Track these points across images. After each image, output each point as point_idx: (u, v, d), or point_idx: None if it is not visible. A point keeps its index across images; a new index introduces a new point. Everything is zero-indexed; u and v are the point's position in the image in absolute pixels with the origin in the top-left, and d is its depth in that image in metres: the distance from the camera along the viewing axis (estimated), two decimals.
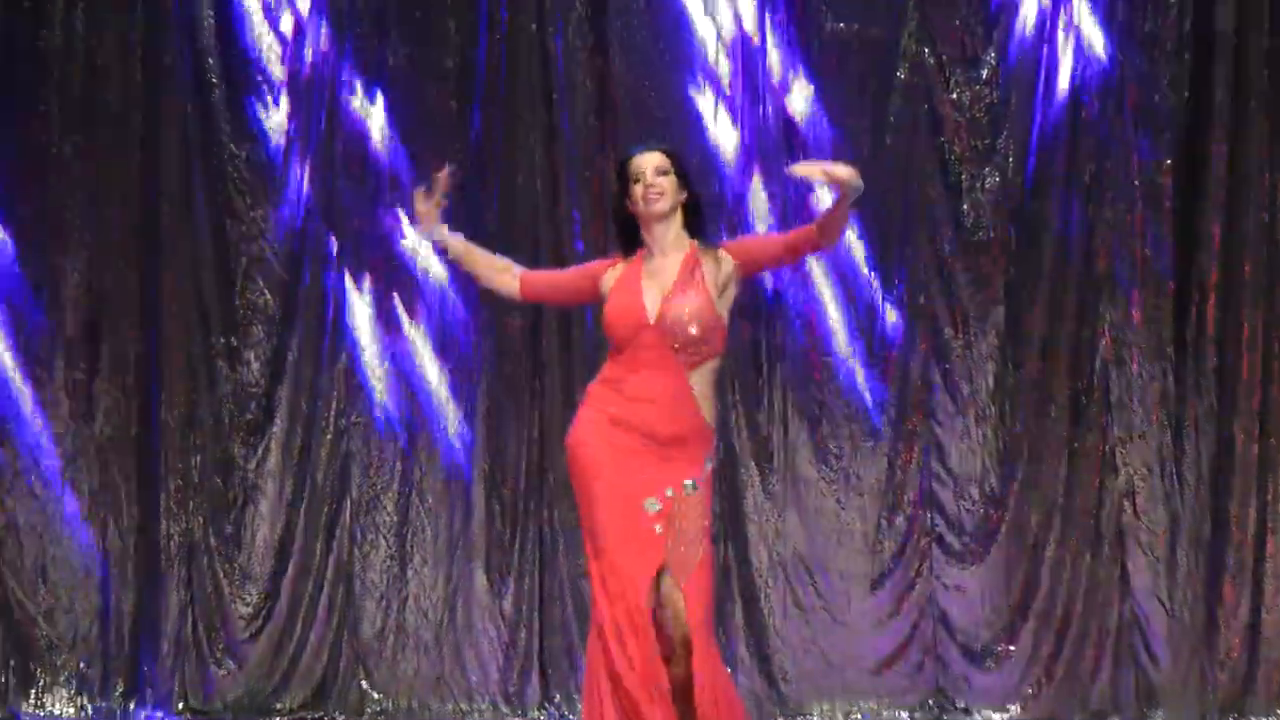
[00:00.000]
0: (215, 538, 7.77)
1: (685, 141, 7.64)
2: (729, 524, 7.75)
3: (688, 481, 4.92)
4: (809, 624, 7.72)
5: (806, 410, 7.80)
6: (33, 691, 7.79)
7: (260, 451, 7.82)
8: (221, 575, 7.73)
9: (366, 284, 7.76)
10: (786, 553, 7.76)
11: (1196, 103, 7.64)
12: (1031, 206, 7.77)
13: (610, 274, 5.06)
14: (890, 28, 7.70)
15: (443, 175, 4.95)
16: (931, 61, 7.80)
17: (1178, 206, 7.65)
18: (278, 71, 7.83)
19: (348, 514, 7.69)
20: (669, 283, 4.98)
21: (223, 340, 7.83)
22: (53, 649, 7.71)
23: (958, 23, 7.70)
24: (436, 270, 7.66)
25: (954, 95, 7.80)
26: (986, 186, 7.84)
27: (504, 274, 5.01)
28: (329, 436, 7.69)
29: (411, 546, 7.67)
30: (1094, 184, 7.70)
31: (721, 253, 5.06)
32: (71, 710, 7.74)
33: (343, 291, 7.71)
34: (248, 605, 7.80)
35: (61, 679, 7.75)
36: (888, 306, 7.84)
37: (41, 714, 7.75)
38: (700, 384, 5.00)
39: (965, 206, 7.81)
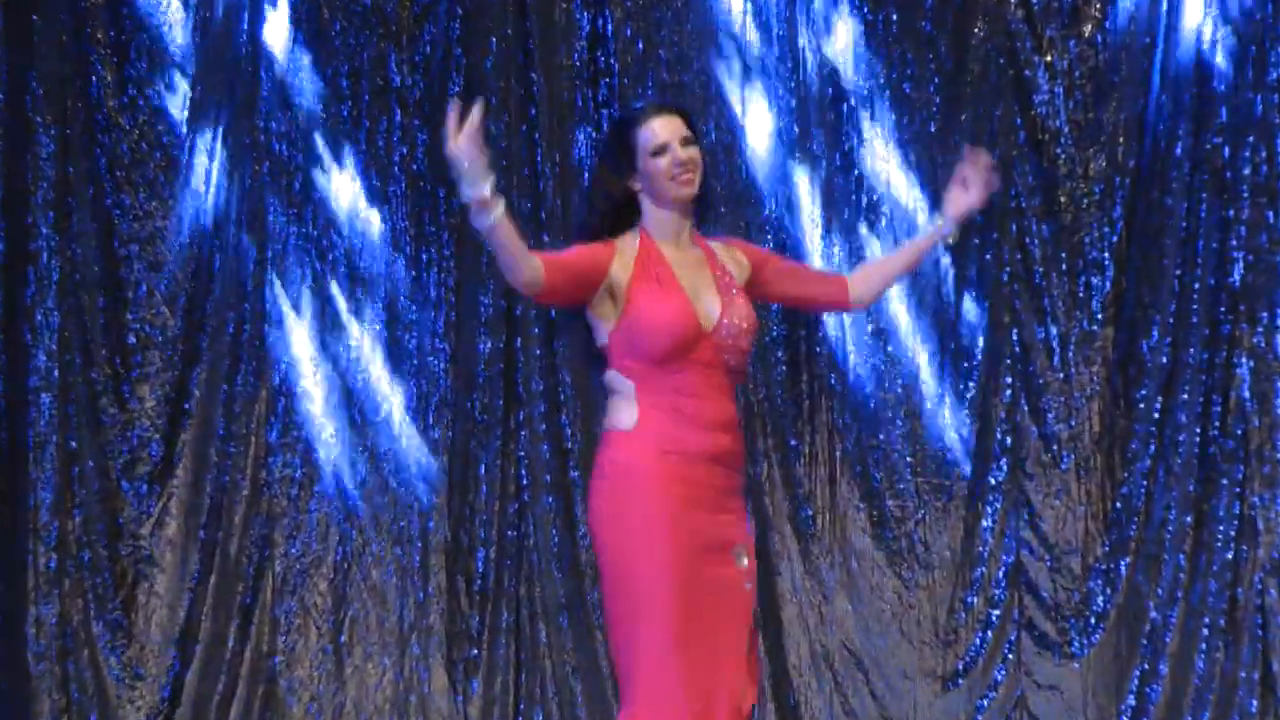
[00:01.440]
0: (99, 625, 7.44)
1: (705, 106, 7.42)
2: (760, 608, 7.24)
3: (749, 530, 4.78)
4: None
5: (860, 460, 7.50)
6: None
7: (157, 513, 7.51)
8: (106, 673, 7.42)
9: (302, 293, 7.46)
10: (834, 645, 7.44)
11: None
12: (1147, 200, 7.44)
13: (619, 261, 4.69)
14: None
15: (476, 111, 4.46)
16: (1019, 13, 7.45)
17: None
18: (179, 35, 7.55)
19: (269, 592, 7.39)
20: (709, 282, 4.74)
21: (108, 372, 7.50)
22: None
23: None
24: (394, 273, 7.42)
25: (1048, 57, 7.49)
26: (1090, 173, 7.50)
27: (528, 256, 4.56)
28: (245, 493, 7.36)
29: (351, 635, 7.39)
30: (1227, 171, 7.36)
31: (738, 253, 4.88)
32: None
33: (266, 304, 7.38)
34: (140, 710, 7.48)
35: None
36: (963, 326, 7.50)
37: None
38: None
39: (1062, 199, 7.48)
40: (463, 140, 4.34)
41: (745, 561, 4.72)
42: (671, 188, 4.65)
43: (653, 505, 4.64)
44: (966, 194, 4.87)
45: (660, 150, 4.63)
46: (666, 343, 4.66)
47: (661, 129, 4.64)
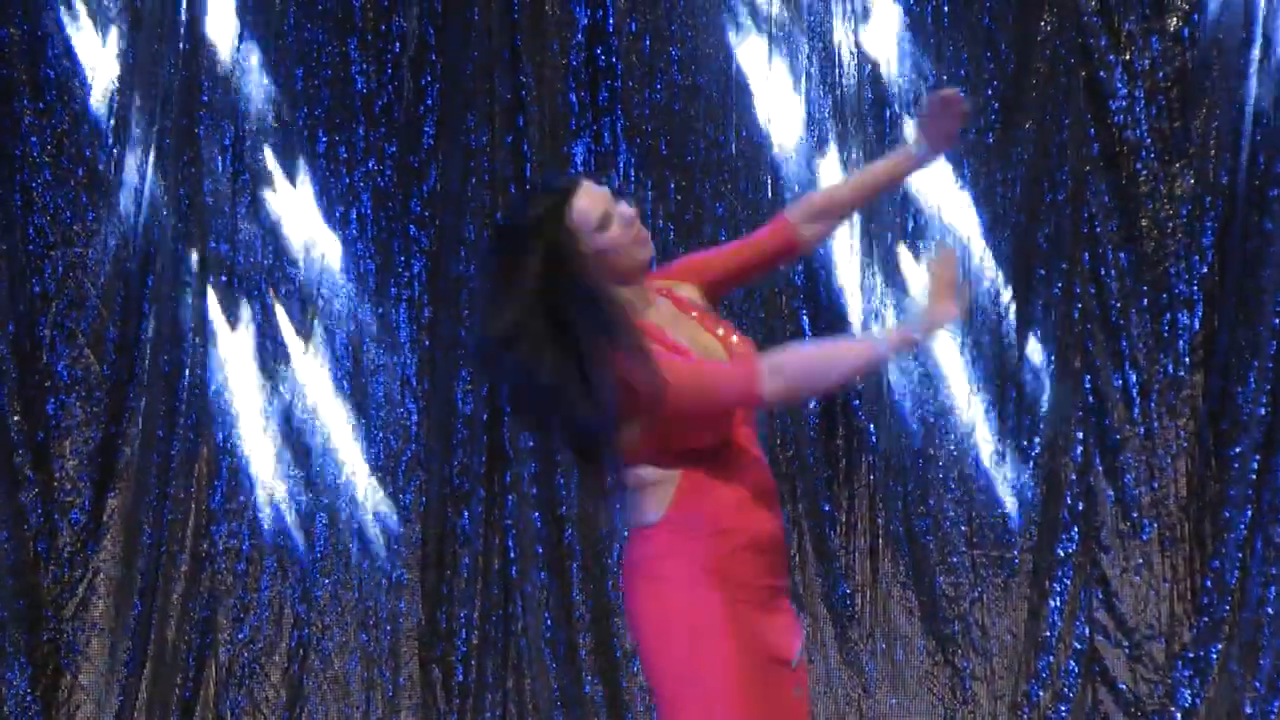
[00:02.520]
0: None
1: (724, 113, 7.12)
2: None
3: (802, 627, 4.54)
4: None
5: (906, 529, 7.13)
6: None
7: (82, 594, 7.08)
8: None
9: (249, 333, 7.06)
10: None
11: None
12: (1243, 224, 7.06)
13: None
14: None
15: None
16: (1093, 4, 7.11)
17: None
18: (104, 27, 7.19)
19: (212, 685, 7.01)
20: (695, 328, 4.40)
21: (23, 429, 7.11)
22: None
23: None
24: (357, 310, 7.14)
25: (1126, 55, 7.11)
26: (1177, 191, 7.15)
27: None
28: (184, 569, 6.97)
29: None
30: None
31: (682, 285, 4.54)
32: None
33: (207, 346, 7.06)
34: None
35: None
36: (1026, 371, 7.15)
37: None
38: None
39: (1144, 223, 7.10)
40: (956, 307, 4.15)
41: (795, 662, 4.35)
42: (635, 252, 4.29)
43: (701, 606, 4.31)
44: (941, 121, 4.44)
45: (606, 224, 4.25)
46: (705, 421, 4.32)
47: (594, 202, 4.27)
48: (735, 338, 4.44)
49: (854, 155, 7.12)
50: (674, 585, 4.29)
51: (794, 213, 4.54)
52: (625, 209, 4.36)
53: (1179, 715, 6.92)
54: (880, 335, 4.36)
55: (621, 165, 7.22)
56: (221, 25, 6.97)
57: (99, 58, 7.13)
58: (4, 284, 6.95)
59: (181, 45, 7.05)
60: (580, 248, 4.28)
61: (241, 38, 7.11)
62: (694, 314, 4.48)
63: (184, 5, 6.99)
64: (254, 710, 6.89)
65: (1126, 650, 6.98)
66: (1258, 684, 6.79)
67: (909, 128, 4.93)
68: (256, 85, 7.07)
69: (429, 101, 7.17)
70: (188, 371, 7.00)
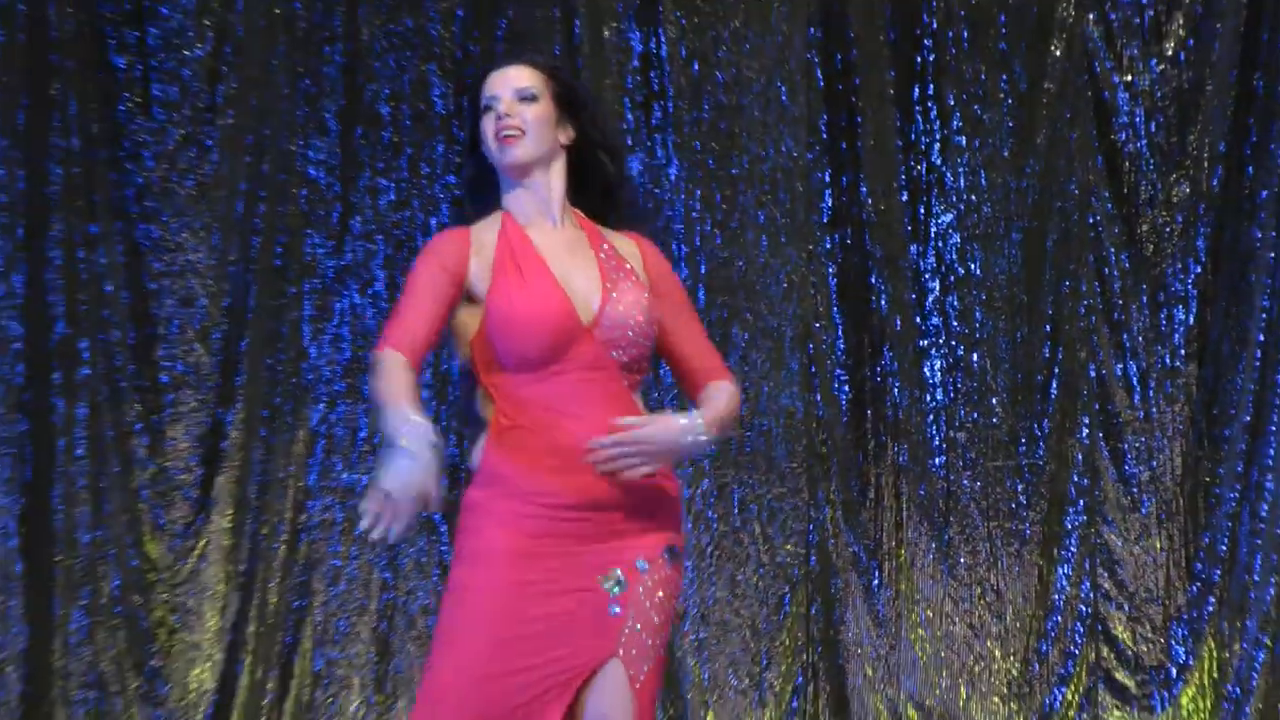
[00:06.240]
0: (134, 676, 7.22)
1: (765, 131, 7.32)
2: (822, 658, 7.44)
3: (668, 546, 4.21)
4: None
5: (928, 502, 7.39)
6: None
7: (193, 561, 7.27)
8: None
9: (337, 316, 7.26)
10: (900, 699, 7.34)
11: None
12: (1234, 227, 7.40)
13: (475, 254, 4.16)
14: None
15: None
16: (1097, 31, 7.39)
17: None
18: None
19: (309, 644, 7.20)
20: (588, 263, 4.20)
21: (142, 416, 7.29)
22: None
23: None
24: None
25: (1128, 77, 7.42)
26: (1173, 200, 7.44)
27: (414, 385, 4.04)
28: (284, 539, 7.19)
29: (395, 687, 7.22)
30: None
31: (633, 246, 4.28)
32: None
33: (304, 332, 7.18)
34: None
35: None
36: (1039, 361, 7.43)
37: None
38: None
39: (1143, 228, 7.44)
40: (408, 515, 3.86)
41: (618, 589, 4.17)
42: (494, 151, 4.16)
43: (484, 548, 4.14)
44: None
45: (486, 108, 4.15)
46: (530, 343, 4.12)
47: (491, 84, 4.18)
48: (614, 296, 4.18)
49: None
50: (468, 527, 4.16)
51: (710, 389, 4.23)
52: (509, 105, 4.15)
53: (1174, 670, 7.17)
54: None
55: (673, 177, 7.32)
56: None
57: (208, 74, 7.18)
58: (125, 287, 7.11)
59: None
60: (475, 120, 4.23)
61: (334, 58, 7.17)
62: (600, 254, 4.24)
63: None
64: (346, 665, 7.11)
65: (1127, 612, 7.24)
66: (1243, 643, 7.11)
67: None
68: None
69: None
70: (285, 363, 7.15)
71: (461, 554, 4.14)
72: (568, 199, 4.21)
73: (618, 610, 4.12)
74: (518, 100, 4.11)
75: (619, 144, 4.36)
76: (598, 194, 4.25)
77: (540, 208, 4.19)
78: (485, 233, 4.15)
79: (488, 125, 4.15)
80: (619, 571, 4.14)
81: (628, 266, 4.20)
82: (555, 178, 4.18)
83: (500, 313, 4.08)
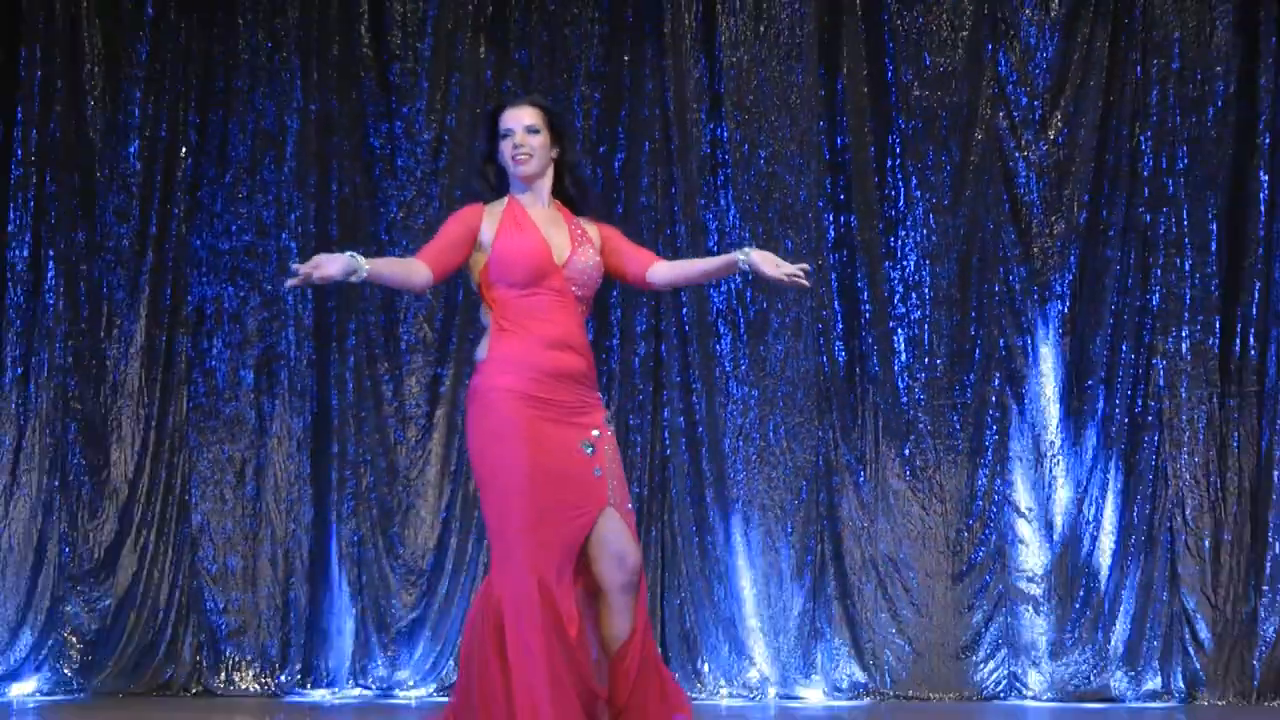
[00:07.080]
0: (382, 539, 8.27)
1: (796, 189, 7.77)
2: (828, 528, 8.18)
3: (606, 416, 4.70)
4: (897, 616, 8.05)
5: (896, 430, 8.17)
6: (222, 670, 8.27)
7: (420, 466, 8.31)
8: (389, 570, 8.15)
9: None
10: (878, 553, 8.16)
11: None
12: (1093, 253, 8.20)
13: (488, 218, 4.69)
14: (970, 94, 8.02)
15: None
16: (1005, 124, 8.22)
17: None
18: None
19: None
20: (563, 231, 4.70)
21: (389, 371, 8.30)
22: (240, 634, 8.26)
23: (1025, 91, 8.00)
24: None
25: (1026, 154, 8.18)
26: (1054, 233, 8.25)
27: (415, 273, 4.55)
28: None
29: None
30: (1148, 232, 8.13)
31: (594, 228, 4.80)
32: (256, 687, 8.23)
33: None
34: (410, 594, 8.22)
35: (246, 660, 8.20)
36: (966, 336, 8.17)
37: (231, 689, 8.23)
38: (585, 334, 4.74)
39: (1035, 250, 8.23)
40: (318, 275, 4.27)
41: (591, 450, 4.57)
42: (510, 166, 4.64)
43: (504, 418, 4.47)
44: (775, 273, 4.61)
45: (505, 135, 4.64)
46: (517, 271, 4.55)
47: (508, 118, 4.64)
48: (578, 251, 4.60)
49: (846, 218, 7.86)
50: (480, 403, 4.56)
51: (657, 264, 4.75)
52: (521, 137, 4.55)
53: (1057, 518, 7.98)
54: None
55: (730, 218, 8.03)
56: None
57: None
58: (378, 289, 7.90)
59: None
60: (495, 139, 4.67)
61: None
62: (571, 227, 4.67)
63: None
64: None
65: (1024, 494, 8.07)
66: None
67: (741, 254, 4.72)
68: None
69: (615, 170, 8.09)
70: (470, 335, 7.87)
71: (485, 431, 4.49)
72: (553, 193, 4.78)
73: (599, 471, 4.54)
74: (527, 132, 4.67)
75: (581, 159, 4.84)
76: (571, 189, 4.77)
77: (536, 196, 4.71)
78: (496, 207, 4.69)
79: (505, 147, 4.66)
80: (588, 438, 4.59)
81: (589, 237, 4.70)
82: (546, 180, 4.73)
83: (504, 250, 4.59)
